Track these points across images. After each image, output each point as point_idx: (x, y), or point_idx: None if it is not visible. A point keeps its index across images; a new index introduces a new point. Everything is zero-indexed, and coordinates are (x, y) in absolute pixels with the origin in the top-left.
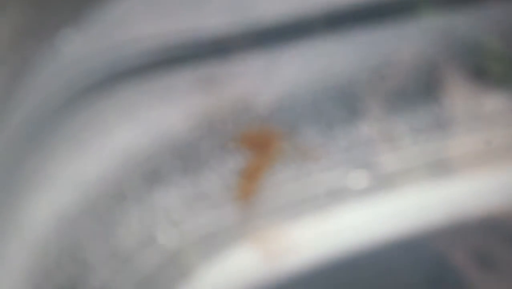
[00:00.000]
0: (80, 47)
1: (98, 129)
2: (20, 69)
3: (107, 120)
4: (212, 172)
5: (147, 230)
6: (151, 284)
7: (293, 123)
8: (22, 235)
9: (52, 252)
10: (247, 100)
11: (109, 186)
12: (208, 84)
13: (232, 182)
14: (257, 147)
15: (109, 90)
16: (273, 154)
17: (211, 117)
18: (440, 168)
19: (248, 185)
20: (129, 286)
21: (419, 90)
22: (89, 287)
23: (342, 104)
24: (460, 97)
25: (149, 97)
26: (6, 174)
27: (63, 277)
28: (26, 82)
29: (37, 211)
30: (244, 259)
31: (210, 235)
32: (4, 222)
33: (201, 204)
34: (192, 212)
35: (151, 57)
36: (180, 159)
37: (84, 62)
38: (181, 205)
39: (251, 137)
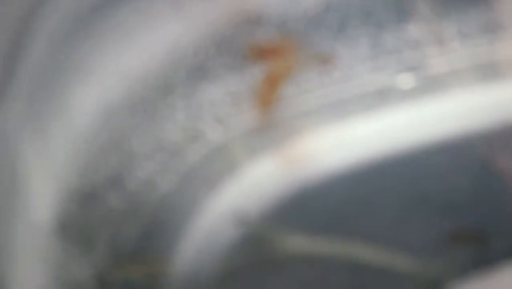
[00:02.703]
0: None
1: (145, 23)
2: None
3: (155, 13)
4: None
5: (193, 124)
6: (196, 177)
7: (341, 24)
8: (70, 124)
9: (99, 143)
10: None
11: (156, 79)
12: None
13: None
14: (273, 55)
15: None
16: (291, 61)
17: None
18: (489, 71)
19: (269, 92)
20: (174, 178)
21: None
22: (136, 179)
23: (391, 6)
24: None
25: None
26: (55, 64)
27: (111, 168)
28: None
29: (84, 102)
30: (269, 166)
31: (252, 132)
32: (52, 110)
33: (246, 101)
34: (237, 108)
35: None
36: (225, 55)
37: None
38: (226, 101)
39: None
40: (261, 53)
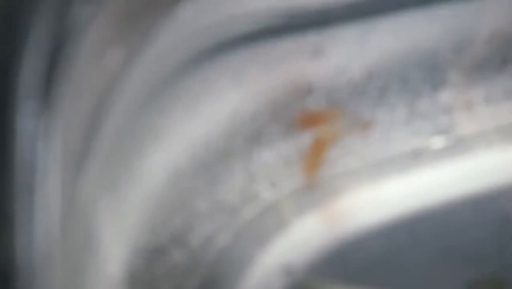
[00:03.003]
0: (196, 16)
1: (209, 92)
2: (140, 42)
3: (218, 84)
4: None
5: (249, 186)
6: (251, 235)
7: (381, 93)
8: (140, 186)
9: (166, 203)
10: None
11: (217, 144)
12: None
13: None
14: (320, 122)
15: (221, 57)
16: (336, 128)
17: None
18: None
19: (315, 156)
20: (231, 236)
21: (494, 62)
22: (197, 236)
23: (425, 76)
24: None
25: (255, 64)
26: (127, 131)
27: (175, 226)
28: (144, 52)
29: (154, 165)
30: (313, 224)
31: (300, 192)
32: (125, 173)
33: (296, 164)
34: (287, 170)
35: (258, 27)
36: (278, 122)
37: (198, 30)
38: (278, 164)
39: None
40: (310, 120)
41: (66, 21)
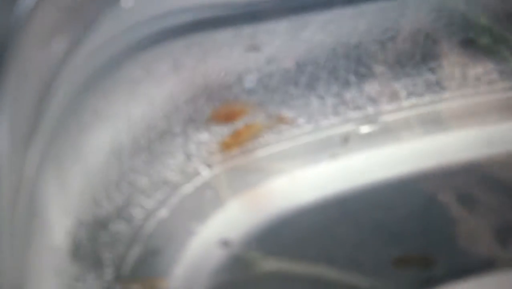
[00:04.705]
0: (137, 7)
1: (149, 78)
2: (84, 29)
3: (157, 70)
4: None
5: (187, 164)
6: (189, 210)
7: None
8: (83, 162)
9: (108, 179)
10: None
11: (156, 125)
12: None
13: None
14: (229, 120)
15: (160, 45)
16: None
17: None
18: (433, 121)
19: (232, 145)
20: (170, 210)
21: (416, 57)
22: (139, 209)
23: (353, 68)
24: (451, 65)
25: (193, 53)
26: (71, 112)
27: (117, 200)
28: (88, 39)
29: (96, 143)
30: (248, 202)
31: (236, 172)
32: (69, 150)
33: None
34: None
35: (196, 18)
36: (211, 104)
37: (140, 20)
38: (214, 146)
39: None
40: (227, 116)
41: (12, 9)
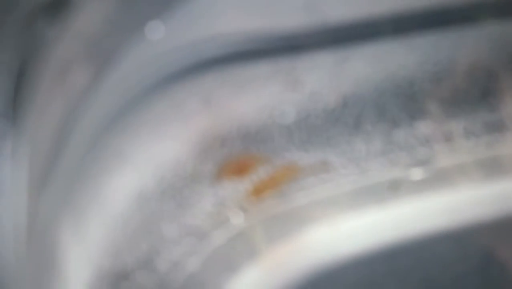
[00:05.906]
0: (166, 38)
1: (177, 115)
2: (106, 62)
3: (186, 106)
4: None
5: (218, 211)
6: (220, 261)
7: (357, 120)
8: (105, 209)
9: (131, 227)
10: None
11: (185, 168)
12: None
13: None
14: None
15: (190, 79)
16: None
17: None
18: (493, 166)
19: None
20: (200, 261)
21: (474, 95)
22: (164, 261)
23: (403, 106)
24: None
25: (227, 88)
26: (93, 154)
27: (142, 251)
28: (111, 72)
29: (119, 188)
30: (286, 253)
31: (274, 220)
32: (89, 196)
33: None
34: (258, 196)
35: (230, 50)
36: (252, 147)
37: (168, 52)
38: (249, 190)
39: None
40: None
41: (31, 42)
